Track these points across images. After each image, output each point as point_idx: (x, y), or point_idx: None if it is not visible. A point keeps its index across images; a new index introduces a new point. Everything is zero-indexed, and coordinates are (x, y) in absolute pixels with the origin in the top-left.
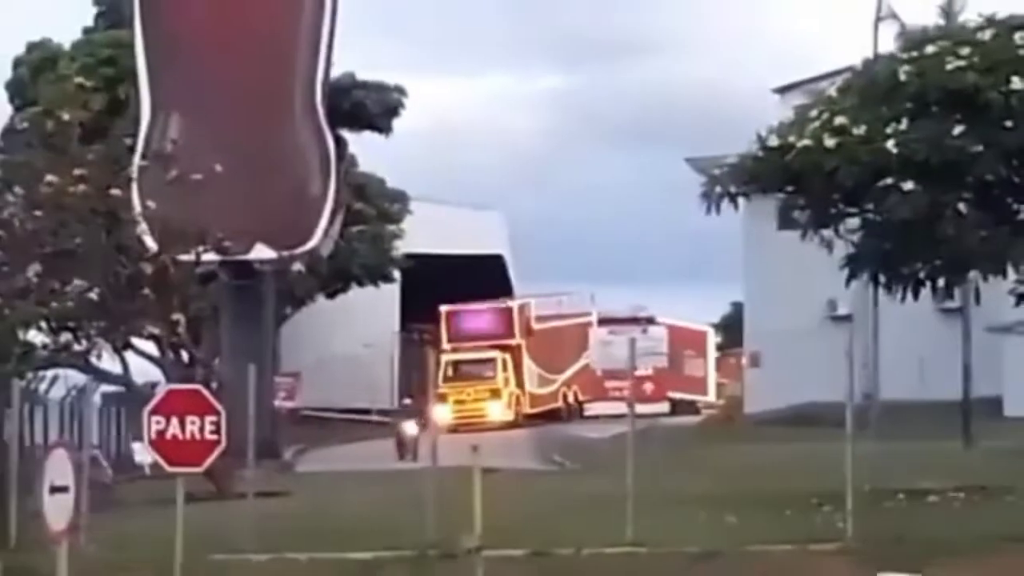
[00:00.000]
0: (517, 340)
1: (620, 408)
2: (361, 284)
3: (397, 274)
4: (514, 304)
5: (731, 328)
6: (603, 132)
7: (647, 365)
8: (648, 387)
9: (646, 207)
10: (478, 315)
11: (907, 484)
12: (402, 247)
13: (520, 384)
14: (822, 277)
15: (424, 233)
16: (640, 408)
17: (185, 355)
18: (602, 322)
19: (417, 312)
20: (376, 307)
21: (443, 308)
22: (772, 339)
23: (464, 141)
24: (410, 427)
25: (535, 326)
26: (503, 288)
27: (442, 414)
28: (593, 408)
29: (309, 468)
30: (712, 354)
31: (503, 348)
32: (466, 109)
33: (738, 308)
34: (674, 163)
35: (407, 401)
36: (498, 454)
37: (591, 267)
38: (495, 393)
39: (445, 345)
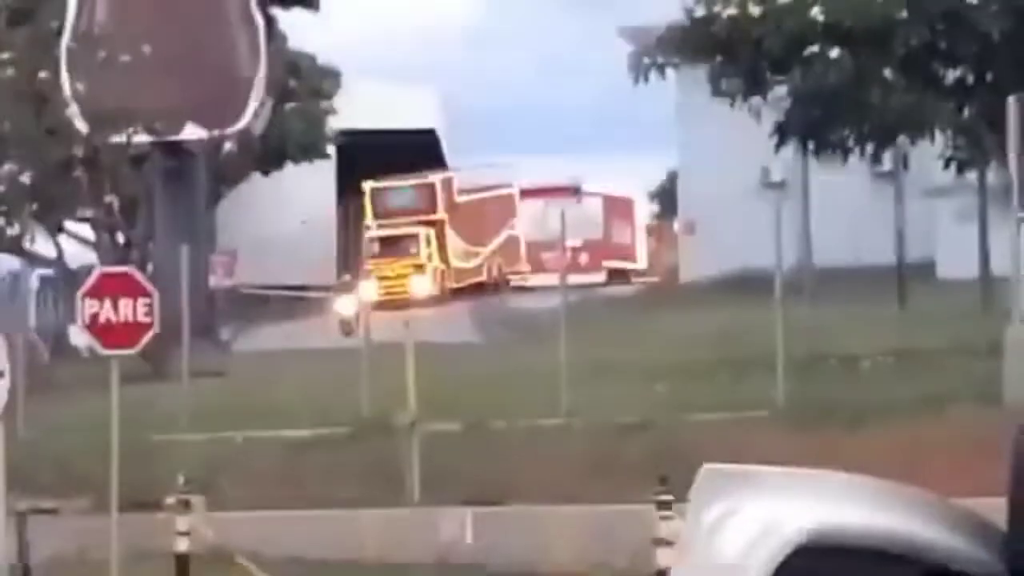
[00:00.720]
0: (440, 215)
1: (554, 280)
2: (296, 161)
3: (332, 150)
4: (436, 178)
5: (667, 197)
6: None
7: (581, 236)
8: (583, 258)
9: (583, 76)
10: (401, 191)
11: (840, 349)
12: (336, 123)
13: (444, 259)
14: (756, 144)
15: (358, 109)
16: (576, 279)
17: (120, 238)
18: (525, 193)
19: (353, 188)
20: (312, 184)
21: (366, 185)
22: (706, 206)
23: (393, 10)
24: (347, 304)
25: (458, 200)
26: (437, 162)
27: (368, 291)
28: (529, 280)
29: (247, 347)
30: (641, 222)
31: (427, 223)
32: None
33: (673, 177)
34: (612, 31)
35: (346, 277)
36: (437, 328)
37: (527, 138)
38: (419, 268)
39: (369, 222)
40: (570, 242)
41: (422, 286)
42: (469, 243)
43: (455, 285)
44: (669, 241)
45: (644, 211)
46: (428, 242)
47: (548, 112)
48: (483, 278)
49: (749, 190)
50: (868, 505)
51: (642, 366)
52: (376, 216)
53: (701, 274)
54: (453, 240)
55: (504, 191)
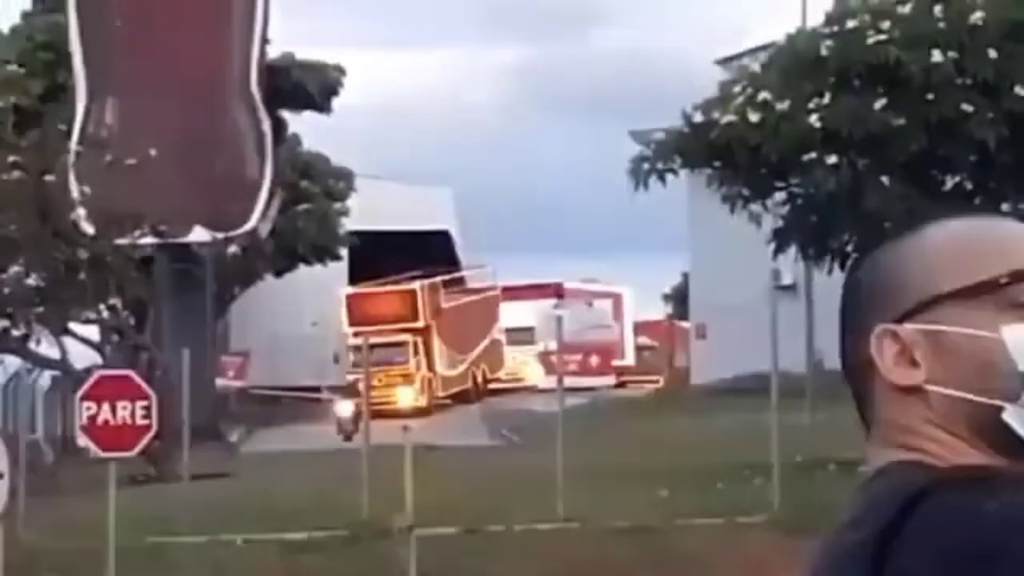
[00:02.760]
0: (425, 322)
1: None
2: (308, 263)
3: (344, 252)
4: (419, 285)
5: (682, 298)
6: (555, 104)
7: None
8: (594, 359)
9: (598, 178)
10: (382, 298)
11: (839, 454)
12: (349, 224)
13: (431, 367)
14: (767, 248)
15: (372, 210)
16: (586, 381)
17: (129, 339)
18: (506, 292)
19: None
20: (324, 285)
21: (343, 292)
22: (717, 310)
23: (416, 114)
24: (345, 407)
25: (444, 305)
26: (450, 263)
27: (343, 407)
28: (540, 383)
29: (254, 448)
30: (629, 317)
31: (412, 331)
32: (417, 82)
33: (688, 278)
34: (624, 134)
35: (350, 379)
36: (442, 430)
37: (543, 239)
38: (407, 378)
39: (346, 330)
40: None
41: (409, 397)
42: (454, 350)
43: (441, 394)
44: (681, 343)
45: (631, 305)
46: (415, 350)
47: (566, 213)
48: (468, 385)
49: (759, 293)
50: None
51: (644, 470)
52: (354, 323)
53: (713, 377)
54: (439, 347)
55: (487, 293)
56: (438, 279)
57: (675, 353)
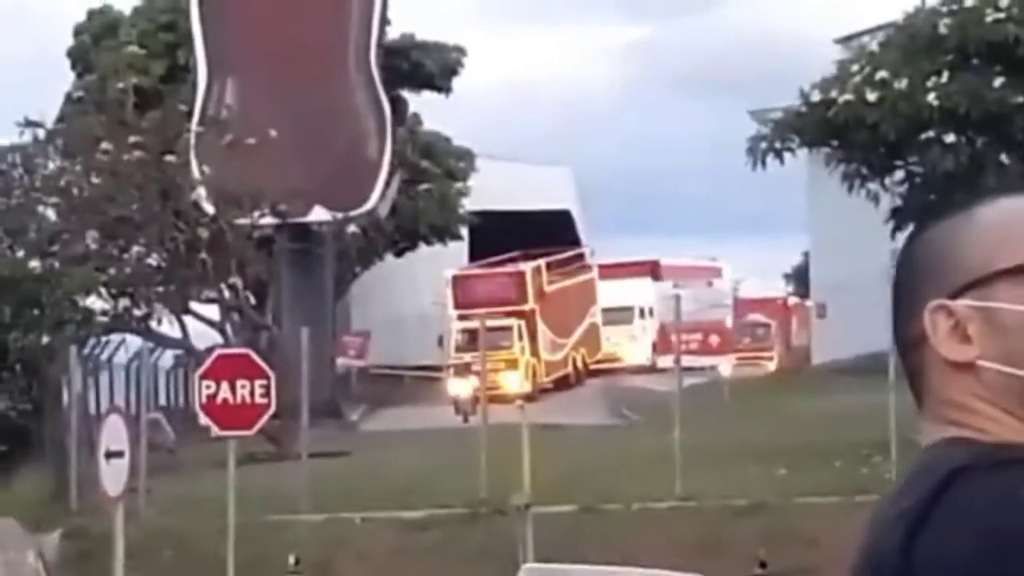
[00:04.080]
0: (531, 305)
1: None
2: (429, 243)
3: (464, 232)
4: (527, 267)
5: (803, 278)
6: (674, 83)
7: (711, 317)
8: (713, 339)
9: (717, 158)
10: (488, 279)
11: None
12: (469, 204)
13: (535, 352)
14: (887, 226)
15: (492, 190)
16: (702, 361)
17: (248, 319)
18: (602, 271)
19: None
20: (444, 265)
21: (448, 273)
22: (837, 289)
23: (536, 95)
24: (463, 387)
25: (547, 289)
26: (571, 243)
27: (455, 387)
28: (658, 362)
29: (373, 427)
30: (729, 287)
31: (518, 314)
32: (538, 62)
33: (808, 257)
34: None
35: (463, 358)
36: (559, 409)
37: (662, 219)
38: (512, 363)
39: (451, 312)
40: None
41: (515, 382)
42: (556, 333)
43: (545, 380)
44: (799, 322)
45: (729, 275)
46: (520, 335)
47: (686, 192)
48: (568, 371)
49: (880, 272)
50: None
51: (762, 449)
52: (459, 306)
53: (833, 356)
54: (543, 332)
55: (585, 276)
56: (541, 261)
57: (790, 331)
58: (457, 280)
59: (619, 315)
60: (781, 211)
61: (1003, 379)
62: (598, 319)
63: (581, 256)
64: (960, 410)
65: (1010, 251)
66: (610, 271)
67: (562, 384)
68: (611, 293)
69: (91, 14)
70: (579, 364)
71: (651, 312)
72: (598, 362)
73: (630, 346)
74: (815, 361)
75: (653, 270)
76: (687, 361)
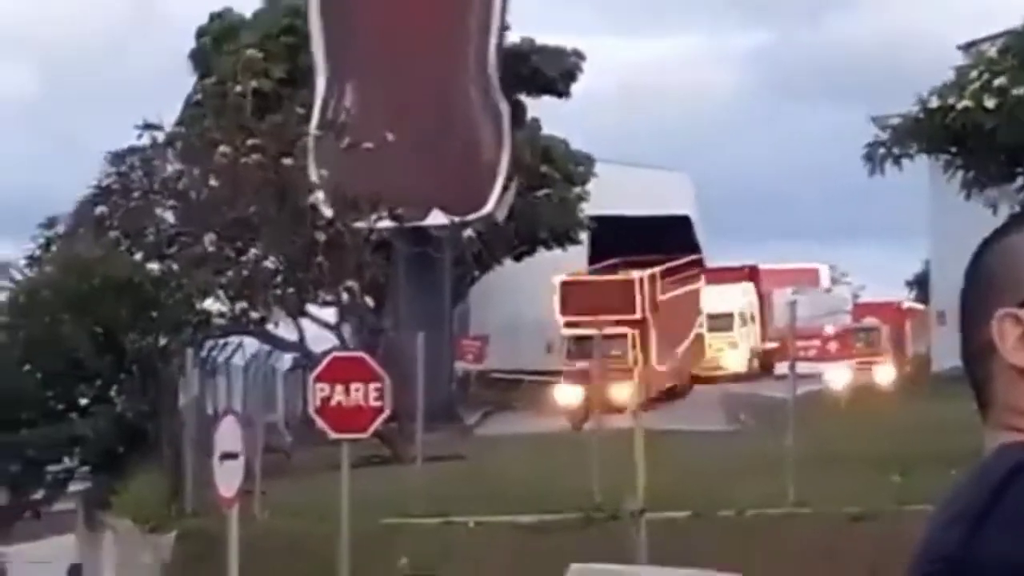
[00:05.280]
0: (643, 314)
1: (806, 367)
2: (548, 247)
3: (583, 236)
4: (639, 275)
5: (924, 285)
6: (794, 89)
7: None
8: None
9: (838, 165)
10: (598, 287)
11: None
12: (588, 209)
13: (647, 362)
14: None
15: (611, 195)
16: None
17: (367, 322)
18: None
19: None
20: (564, 269)
21: (558, 278)
22: (958, 295)
23: (655, 100)
24: (573, 395)
25: (660, 298)
26: (690, 249)
27: (566, 395)
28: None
29: (489, 431)
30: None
31: (631, 323)
32: (656, 70)
33: (929, 264)
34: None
35: (575, 366)
36: (677, 416)
37: (782, 225)
38: (626, 373)
39: (559, 318)
40: (830, 328)
41: (627, 393)
42: (668, 344)
43: (656, 392)
44: (919, 328)
45: (826, 278)
46: (634, 344)
47: (806, 199)
48: (675, 382)
49: None
50: None
51: (877, 456)
52: (568, 312)
53: (953, 363)
54: (655, 341)
55: (695, 285)
56: (656, 269)
57: (904, 336)
58: (566, 286)
59: (720, 322)
60: (903, 218)
61: None
62: (704, 327)
63: (692, 264)
64: None
65: None
66: (710, 277)
67: (671, 395)
68: (711, 299)
69: (212, 17)
70: (686, 376)
71: (752, 318)
72: (702, 371)
73: (731, 353)
74: (935, 368)
75: (752, 275)
76: (803, 368)
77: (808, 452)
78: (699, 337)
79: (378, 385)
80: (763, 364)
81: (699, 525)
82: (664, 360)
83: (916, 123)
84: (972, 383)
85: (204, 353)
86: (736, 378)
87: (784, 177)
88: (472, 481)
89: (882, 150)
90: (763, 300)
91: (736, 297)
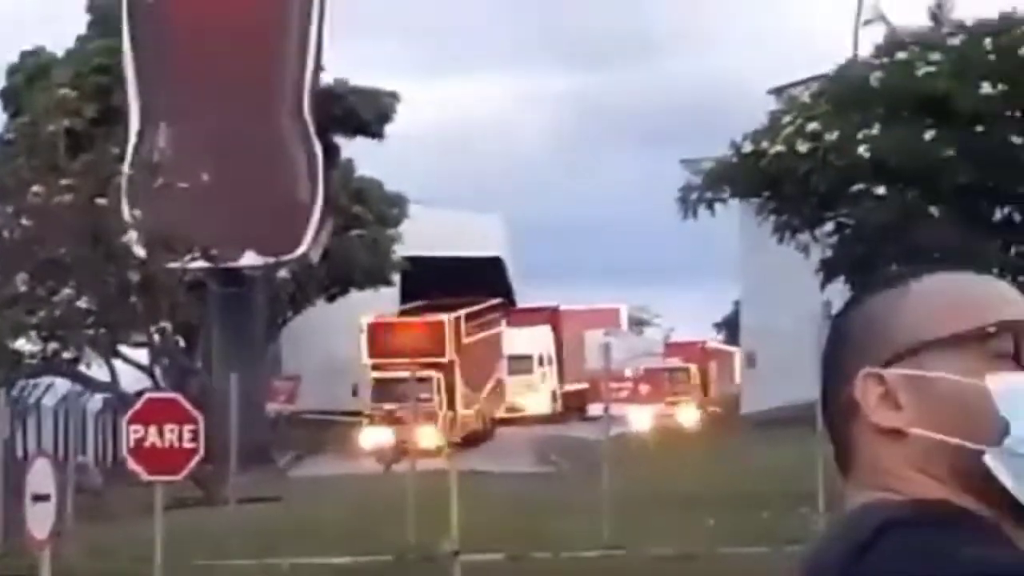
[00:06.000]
0: (450, 357)
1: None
2: (361, 288)
3: (396, 277)
4: (446, 317)
5: (734, 326)
6: (607, 132)
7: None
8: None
9: (649, 207)
10: (406, 329)
11: None
12: (401, 250)
13: (452, 406)
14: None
15: (425, 236)
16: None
17: (180, 362)
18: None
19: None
20: (376, 310)
21: (365, 320)
22: (768, 338)
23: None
24: (382, 436)
25: (465, 341)
26: (501, 290)
27: (372, 438)
28: (590, 409)
29: (302, 472)
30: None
31: (436, 366)
32: (471, 111)
33: (739, 306)
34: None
35: (384, 407)
36: (491, 456)
37: (595, 267)
38: (430, 417)
39: (366, 361)
40: (629, 371)
41: (432, 437)
42: (471, 387)
43: (459, 435)
44: (724, 367)
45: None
46: (439, 388)
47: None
48: (479, 426)
49: (811, 322)
50: None
51: (690, 498)
52: (374, 355)
53: (763, 405)
54: (460, 385)
55: (495, 329)
56: (460, 312)
57: (709, 375)
58: (373, 328)
59: (520, 364)
60: (714, 260)
61: (932, 446)
62: (504, 370)
63: (495, 307)
64: (889, 476)
65: (940, 323)
66: (513, 319)
67: (476, 439)
68: (511, 341)
69: (24, 55)
70: (486, 420)
71: (551, 360)
72: (503, 413)
73: (531, 395)
74: (745, 410)
75: (552, 317)
76: (614, 409)
77: (622, 493)
78: (501, 382)
79: (192, 427)
80: (567, 406)
81: (514, 567)
82: (469, 403)
83: (729, 167)
84: (833, 441)
85: (15, 393)
86: (537, 420)
87: (599, 218)
88: (287, 523)
89: (695, 194)
90: (561, 342)
91: (535, 339)
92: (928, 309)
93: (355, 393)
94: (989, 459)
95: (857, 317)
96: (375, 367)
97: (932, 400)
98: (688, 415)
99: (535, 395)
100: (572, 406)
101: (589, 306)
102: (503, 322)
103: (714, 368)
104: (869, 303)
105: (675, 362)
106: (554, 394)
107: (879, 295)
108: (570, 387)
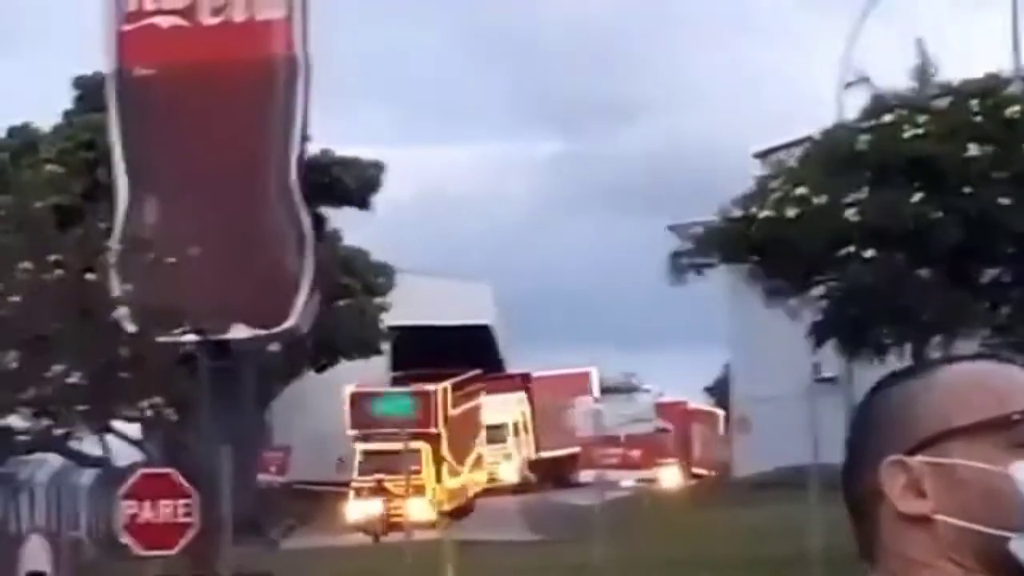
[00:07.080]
0: (437, 429)
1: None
2: (349, 357)
3: (385, 347)
4: (434, 388)
5: (723, 391)
6: (593, 197)
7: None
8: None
9: (638, 272)
10: (393, 399)
11: None
12: (389, 319)
13: (440, 478)
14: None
15: (413, 305)
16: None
17: (171, 437)
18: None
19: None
20: (366, 380)
21: (349, 389)
22: (759, 402)
23: (456, 208)
24: (370, 508)
25: (451, 412)
26: (490, 358)
27: (359, 510)
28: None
29: (295, 544)
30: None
31: (425, 437)
32: (456, 178)
33: (728, 372)
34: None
35: (374, 477)
36: (483, 524)
37: (585, 334)
38: (419, 489)
39: (351, 431)
40: (623, 437)
41: (422, 510)
42: (456, 459)
43: (447, 508)
44: (711, 429)
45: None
46: (427, 459)
47: (605, 307)
48: (464, 500)
49: (801, 385)
50: None
51: (684, 561)
52: (358, 426)
53: (754, 469)
54: (447, 457)
55: (477, 400)
56: (447, 383)
57: (690, 437)
58: (356, 398)
59: (495, 433)
60: (703, 324)
61: (957, 533)
62: (484, 450)
63: (477, 377)
64: (915, 564)
65: (964, 411)
66: (488, 386)
67: (459, 513)
68: (487, 410)
69: (11, 131)
70: (470, 494)
71: (525, 428)
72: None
73: (505, 464)
74: (737, 474)
75: (524, 382)
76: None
77: (615, 559)
78: (481, 458)
79: (187, 501)
80: (546, 473)
81: None
82: (455, 474)
83: (718, 233)
84: (856, 529)
85: (6, 470)
86: (512, 490)
87: (586, 284)
88: None
89: (684, 259)
90: (534, 409)
91: (509, 407)
92: (952, 398)
93: (341, 461)
94: (1014, 546)
95: (881, 404)
96: (362, 438)
97: (957, 488)
98: (671, 478)
99: (509, 464)
100: (551, 473)
101: (560, 371)
102: (483, 392)
103: (697, 429)
104: (893, 391)
105: (658, 424)
106: (528, 462)
107: (903, 383)
108: (547, 454)
